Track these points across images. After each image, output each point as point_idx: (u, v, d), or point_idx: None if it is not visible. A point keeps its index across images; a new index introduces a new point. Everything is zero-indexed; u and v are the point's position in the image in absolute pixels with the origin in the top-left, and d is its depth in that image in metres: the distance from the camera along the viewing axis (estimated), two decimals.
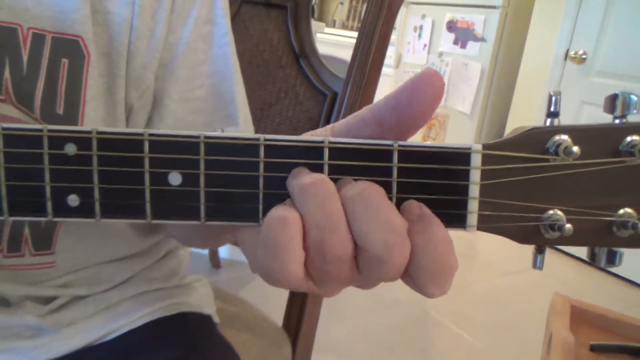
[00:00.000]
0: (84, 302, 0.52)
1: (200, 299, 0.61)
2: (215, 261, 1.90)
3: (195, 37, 0.48)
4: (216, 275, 1.86)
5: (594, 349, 0.85)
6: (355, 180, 0.25)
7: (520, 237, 0.26)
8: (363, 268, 0.25)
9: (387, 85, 3.59)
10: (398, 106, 0.24)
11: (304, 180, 0.24)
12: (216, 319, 0.63)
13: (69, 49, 0.43)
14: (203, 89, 0.49)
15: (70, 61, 0.43)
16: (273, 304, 0.93)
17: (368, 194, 0.24)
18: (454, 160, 0.25)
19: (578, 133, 0.24)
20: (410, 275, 0.25)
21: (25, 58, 0.42)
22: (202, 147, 0.25)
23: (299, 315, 0.75)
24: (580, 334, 0.87)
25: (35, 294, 0.50)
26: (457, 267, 0.25)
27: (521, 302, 2.00)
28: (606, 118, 0.26)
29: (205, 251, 1.88)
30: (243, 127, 0.50)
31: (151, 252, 0.59)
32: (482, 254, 2.38)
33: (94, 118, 0.45)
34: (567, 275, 2.23)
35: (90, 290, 0.52)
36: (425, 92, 0.24)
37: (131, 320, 0.53)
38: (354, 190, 0.24)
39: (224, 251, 1.94)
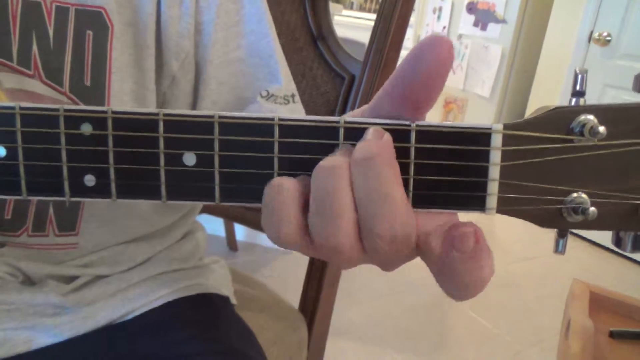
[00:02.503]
0: (106, 282, 0.53)
1: (218, 281, 0.62)
2: (232, 244, 1.92)
3: None
4: (233, 257, 1.87)
5: (613, 335, 0.84)
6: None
7: (541, 220, 0.25)
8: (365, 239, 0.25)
9: None
10: (404, 69, 0.23)
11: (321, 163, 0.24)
12: (234, 300, 0.63)
13: (92, 20, 0.43)
14: (240, 50, 0.49)
15: (95, 33, 0.43)
16: (289, 286, 0.94)
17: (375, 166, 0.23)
18: (473, 141, 0.24)
19: (605, 113, 0.23)
20: (445, 286, 0.25)
21: (51, 32, 0.42)
22: (216, 127, 0.25)
23: (315, 298, 0.75)
24: (599, 320, 0.86)
25: (58, 273, 0.51)
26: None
27: (538, 287, 1.98)
28: (630, 101, 0.25)
29: (223, 234, 1.90)
30: (285, 84, 0.50)
31: (170, 233, 0.59)
32: (498, 239, 2.36)
33: (122, 89, 0.45)
34: (584, 261, 2.21)
35: (111, 270, 0.53)
36: (431, 50, 0.22)
37: (151, 300, 0.54)
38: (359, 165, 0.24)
39: (241, 234, 1.96)
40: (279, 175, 0.25)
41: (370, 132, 0.24)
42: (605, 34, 2.39)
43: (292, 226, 0.25)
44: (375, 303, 1.75)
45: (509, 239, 2.37)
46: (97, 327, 0.50)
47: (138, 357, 0.49)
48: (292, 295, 0.79)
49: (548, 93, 2.81)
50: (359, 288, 1.79)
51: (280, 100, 0.49)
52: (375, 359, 1.48)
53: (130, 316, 0.53)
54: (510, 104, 3.13)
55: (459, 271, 0.24)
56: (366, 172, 0.23)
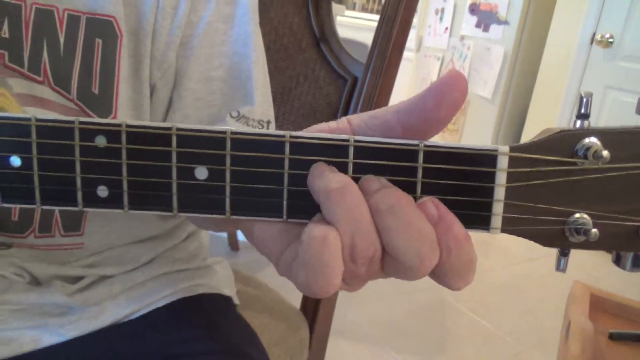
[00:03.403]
0: (110, 282, 0.53)
1: (221, 281, 0.63)
2: (234, 244, 1.92)
3: (216, 17, 0.48)
4: (235, 257, 1.88)
5: (612, 337, 0.85)
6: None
7: (544, 240, 0.26)
8: (389, 270, 0.26)
9: (407, 69, 3.54)
10: (424, 111, 0.24)
11: (329, 185, 0.24)
12: (236, 300, 0.64)
13: (102, 29, 0.44)
14: (222, 69, 0.49)
15: (104, 41, 0.44)
16: (291, 286, 0.93)
17: (400, 208, 0.24)
18: (480, 162, 0.25)
19: (609, 136, 0.24)
20: (436, 274, 0.25)
21: (62, 40, 0.43)
22: (228, 143, 0.25)
23: (317, 299, 0.76)
24: (599, 322, 0.86)
25: (64, 274, 0.51)
26: (476, 257, 0.26)
27: (539, 289, 1.99)
28: (632, 103, 0.25)
29: (225, 234, 1.90)
30: (261, 108, 0.50)
31: (174, 234, 0.60)
32: (500, 241, 2.37)
33: (125, 98, 0.46)
34: (586, 262, 2.21)
35: (116, 270, 0.54)
36: (451, 95, 0.24)
37: (154, 300, 0.54)
38: (385, 204, 0.24)
39: (243, 234, 1.96)
40: (290, 191, 0.26)
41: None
42: (607, 35, 2.40)
43: (340, 276, 0.25)
44: (377, 304, 1.75)
45: (510, 240, 2.37)
46: (102, 327, 0.51)
47: (142, 357, 0.50)
48: (294, 295, 0.79)
49: (550, 94, 2.81)
50: (360, 290, 1.78)
51: (253, 124, 0.49)
52: None
53: (134, 316, 0.53)
54: (512, 106, 3.13)
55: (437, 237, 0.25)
56: (394, 219, 0.24)
